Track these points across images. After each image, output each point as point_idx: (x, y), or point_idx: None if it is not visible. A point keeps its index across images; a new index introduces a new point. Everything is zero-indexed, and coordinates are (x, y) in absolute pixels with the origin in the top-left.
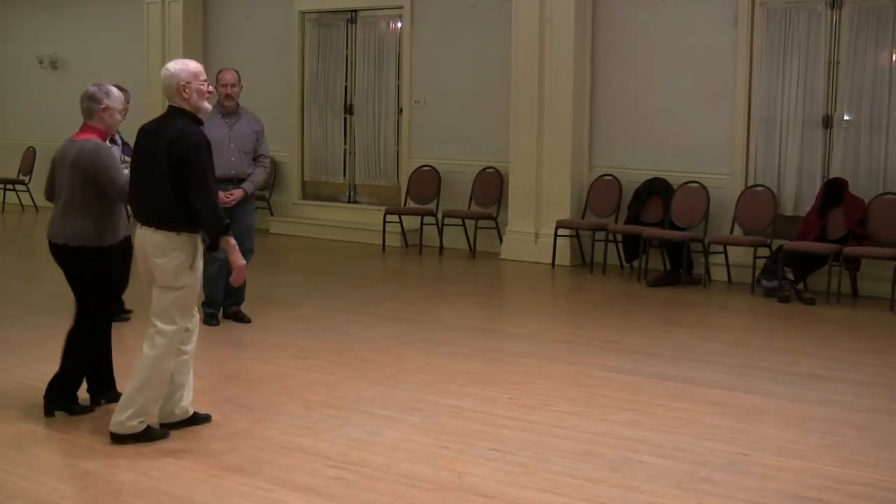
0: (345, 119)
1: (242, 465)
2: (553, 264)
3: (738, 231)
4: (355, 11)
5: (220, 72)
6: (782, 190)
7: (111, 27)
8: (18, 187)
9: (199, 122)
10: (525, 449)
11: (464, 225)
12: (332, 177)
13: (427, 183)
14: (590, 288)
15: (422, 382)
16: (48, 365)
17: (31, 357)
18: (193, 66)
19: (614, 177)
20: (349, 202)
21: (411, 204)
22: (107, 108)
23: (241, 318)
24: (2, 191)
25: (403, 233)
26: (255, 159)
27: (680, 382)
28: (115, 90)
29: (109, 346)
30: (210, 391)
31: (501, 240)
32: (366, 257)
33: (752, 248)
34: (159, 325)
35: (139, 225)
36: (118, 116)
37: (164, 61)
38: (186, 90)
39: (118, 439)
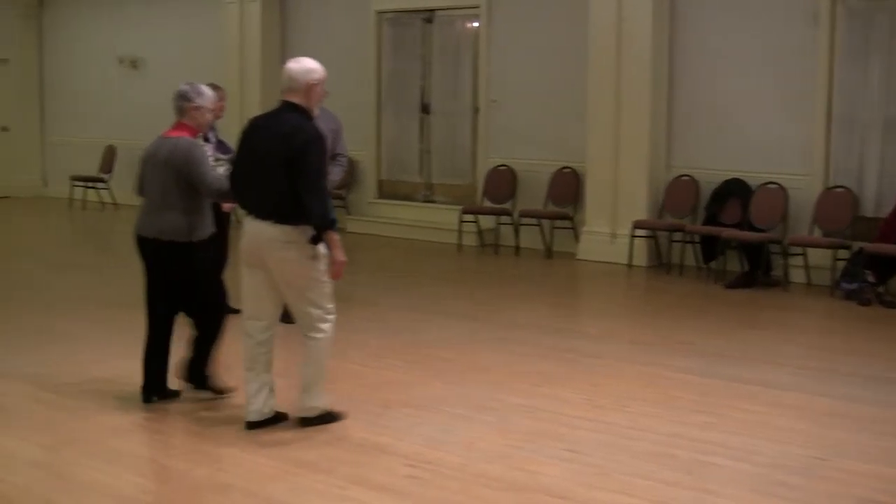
0: (421, 118)
1: (318, 463)
2: (630, 265)
3: (817, 232)
4: (432, 11)
5: None
6: (863, 191)
7: (190, 27)
8: (99, 185)
9: (311, 118)
10: (598, 450)
11: (540, 225)
12: (408, 176)
13: (503, 182)
14: (666, 289)
15: (495, 382)
16: (123, 360)
17: (106, 353)
18: (323, 70)
19: (692, 177)
20: (425, 201)
21: (487, 203)
22: (198, 107)
23: None
24: (83, 188)
25: (479, 232)
26: (332, 158)
27: (756, 385)
28: (206, 89)
29: (169, 342)
30: (289, 389)
31: (578, 240)
32: (441, 256)
33: (831, 250)
34: (321, 314)
35: (252, 218)
36: (209, 115)
37: (241, 61)
38: (315, 89)
39: (308, 422)
